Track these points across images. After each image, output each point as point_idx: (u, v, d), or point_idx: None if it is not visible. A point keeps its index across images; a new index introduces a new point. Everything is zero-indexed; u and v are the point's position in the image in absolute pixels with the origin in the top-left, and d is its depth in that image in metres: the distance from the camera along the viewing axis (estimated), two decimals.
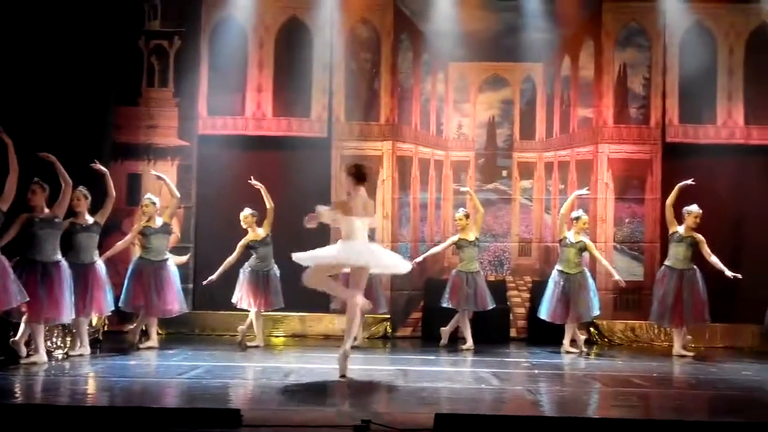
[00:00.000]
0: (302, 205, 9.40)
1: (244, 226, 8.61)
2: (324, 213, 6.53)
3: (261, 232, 8.55)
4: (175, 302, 8.19)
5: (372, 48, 9.82)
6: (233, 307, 8.69)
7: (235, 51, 9.71)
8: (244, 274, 8.53)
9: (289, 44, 9.74)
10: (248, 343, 8.50)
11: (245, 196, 8.72)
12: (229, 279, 8.54)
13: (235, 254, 8.50)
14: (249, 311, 8.57)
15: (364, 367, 7.39)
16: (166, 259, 8.22)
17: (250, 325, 8.57)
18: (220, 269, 8.45)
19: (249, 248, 8.55)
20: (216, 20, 9.76)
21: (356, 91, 9.77)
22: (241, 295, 8.51)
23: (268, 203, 8.54)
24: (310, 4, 9.75)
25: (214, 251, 9.00)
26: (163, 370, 7.13)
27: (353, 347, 8.37)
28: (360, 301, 6.47)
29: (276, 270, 8.58)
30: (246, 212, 8.58)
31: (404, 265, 6.77)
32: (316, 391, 6.18)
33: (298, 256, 6.61)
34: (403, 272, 6.86)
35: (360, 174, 6.45)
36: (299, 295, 8.84)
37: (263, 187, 8.53)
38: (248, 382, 6.78)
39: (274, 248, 8.59)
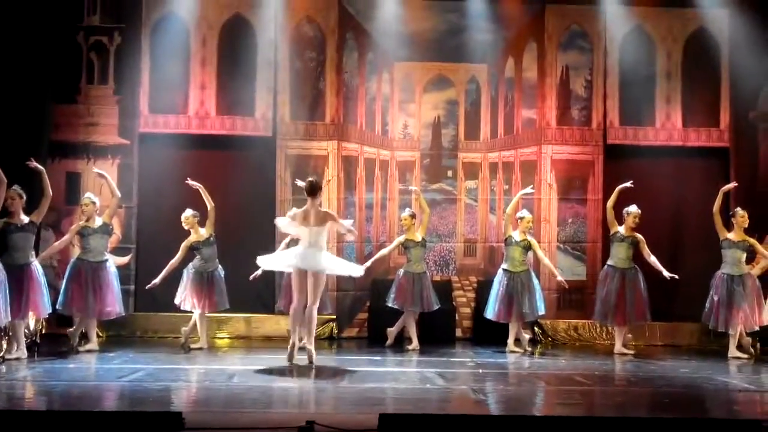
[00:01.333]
0: (247, 205, 9.44)
1: (186, 227, 8.48)
2: (283, 225, 7.42)
3: (204, 233, 8.44)
4: (115, 304, 8.02)
5: (317, 47, 9.77)
6: (176, 309, 8.54)
7: (177, 48, 9.55)
8: (187, 274, 8.40)
9: (233, 42, 9.62)
10: (191, 345, 8.35)
11: (188, 196, 8.59)
12: (172, 280, 8.40)
13: (178, 256, 8.38)
14: (192, 312, 8.44)
15: (309, 368, 7.33)
16: (106, 260, 8.05)
17: (194, 327, 8.44)
18: (164, 272, 8.32)
19: (192, 249, 8.43)
20: (157, 16, 9.59)
21: (301, 91, 9.71)
22: (185, 297, 8.38)
23: (209, 203, 8.43)
24: (253, 1, 9.64)
25: (156, 252, 8.87)
26: (103, 373, 6.97)
27: (299, 348, 8.37)
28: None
29: (220, 271, 8.48)
30: (187, 213, 8.45)
31: (355, 269, 7.56)
32: (261, 393, 6.11)
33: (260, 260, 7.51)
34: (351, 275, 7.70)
35: (310, 188, 7.27)
36: (244, 295, 8.85)
37: (202, 187, 8.41)
38: (191, 384, 6.68)
39: (219, 249, 8.49)
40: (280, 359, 7.77)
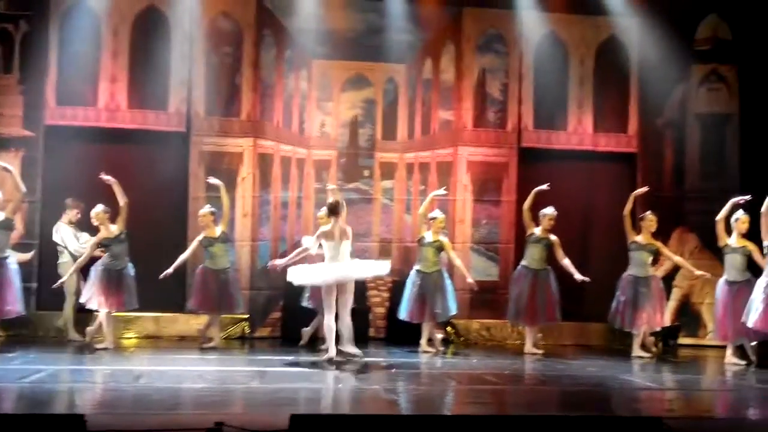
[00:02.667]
0: (159, 202, 9.24)
1: (96, 224, 8.26)
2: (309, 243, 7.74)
3: (114, 230, 8.22)
4: (15, 302, 7.76)
5: (233, 42, 9.61)
6: (81, 308, 8.29)
7: (87, 38, 9.26)
8: (95, 272, 8.17)
9: (146, 34, 9.39)
10: (97, 345, 8.14)
11: (97, 192, 8.37)
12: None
13: (87, 252, 8.16)
14: (99, 312, 8.21)
15: (219, 368, 7.25)
16: (7, 257, 7.77)
17: (100, 326, 8.21)
18: (71, 270, 8.14)
19: (102, 246, 8.20)
20: (67, 5, 9.27)
21: (217, 86, 9.54)
22: (91, 295, 8.15)
23: (122, 199, 8.21)
24: None
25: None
26: (2, 374, 6.68)
27: (209, 348, 8.27)
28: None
29: (130, 269, 8.29)
30: (98, 209, 8.23)
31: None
32: (168, 394, 5.98)
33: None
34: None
35: (332, 210, 7.65)
36: (154, 294, 8.65)
37: (116, 182, 8.20)
38: (95, 385, 6.51)
39: (129, 246, 8.30)
40: (189, 360, 7.67)
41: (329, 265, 7.51)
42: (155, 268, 8.29)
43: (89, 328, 8.18)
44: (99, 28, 9.33)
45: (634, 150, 10.10)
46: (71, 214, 8.68)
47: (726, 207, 8.08)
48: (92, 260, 8.23)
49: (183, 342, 8.87)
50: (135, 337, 9.12)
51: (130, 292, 8.24)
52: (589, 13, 10.03)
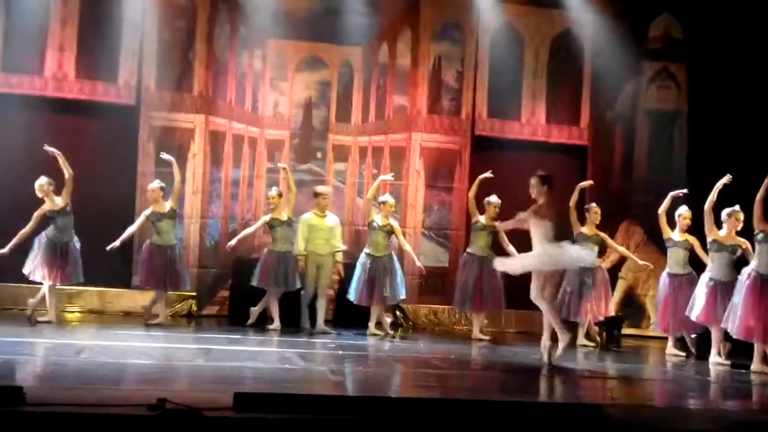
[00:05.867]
0: (107, 175, 9.08)
1: (40, 196, 8.07)
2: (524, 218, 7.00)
3: (59, 202, 8.06)
4: None
5: (187, 16, 9.47)
6: (23, 279, 8.11)
7: (36, 5, 9.04)
8: (39, 243, 8.00)
9: (97, 3, 9.19)
10: (39, 318, 7.97)
11: (42, 163, 8.17)
12: (22, 250, 7.99)
13: (30, 224, 7.98)
14: (42, 284, 8.04)
15: (165, 345, 7.17)
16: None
17: (42, 299, 8.04)
18: (14, 241, 7.93)
19: (47, 218, 8.04)
20: None
21: (169, 60, 9.40)
22: (35, 267, 7.98)
23: (67, 172, 8.05)
24: None
25: (6, 220, 8.32)
26: None
27: (154, 325, 8.17)
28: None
29: (76, 242, 8.15)
30: (42, 180, 8.05)
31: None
32: (111, 370, 5.88)
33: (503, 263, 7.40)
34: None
35: (551, 182, 6.96)
36: (100, 269, 8.51)
37: (60, 154, 8.04)
38: (36, 359, 6.36)
39: (75, 219, 8.14)
40: (134, 336, 7.56)
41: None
42: (102, 243, 8.17)
43: (31, 300, 8.00)
44: None
45: (586, 143, 10.26)
46: None
47: (666, 200, 8.27)
48: (36, 233, 8.03)
49: (128, 318, 8.76)
50: (79, 312, 8.98)
51: (75, 266, 8.10)
52: (546, 5, 10.14)
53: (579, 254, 7.20)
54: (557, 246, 6.91)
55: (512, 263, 7.40)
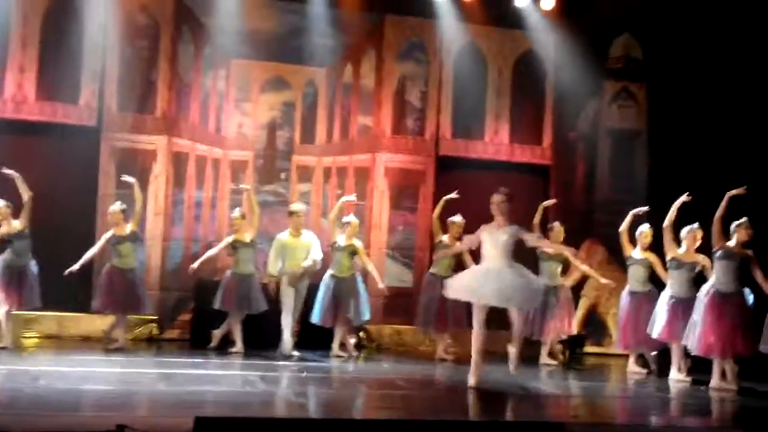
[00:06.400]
0: (66, 198, 8.99)
1: None
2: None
3: (17, 225, 7.96)
4: None
5: (150, 36, 9.43)
6: None
7: None
8: None
9: (58, 24, 9.11)
10: None
11: None
12: None
13: None
14: None
15: (125, 370, 7.09)
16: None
17: None
18: None
19: (4, 242, 7.94)
20: None
21: (131, 80, 9.34)
22: None
23: (25, 194, 7.96)
24: None
25: None
26: None
27: (114, 349, 8.06)
28: None
29: (33, 266, 8.06)
30: None
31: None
32: (69, 396, 5.81)
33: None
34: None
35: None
36: (58, 293, 8.39)
37: (19, 176, 7.96)
38: None
39: (33, 243, 8.07)
40: (93, 361, 7.47)
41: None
42: (61, 267, 8.06)
43: None
44: (8, 16, 9.02)
45: (548, 162, 10.36)
46: None
47: (627, 218, 8.34)
48: None
49: (87, 343, 8.64)
50: (36, 337, 8.83)
51: (32, 290, 8.01)
52: (508, 26, 10.25)
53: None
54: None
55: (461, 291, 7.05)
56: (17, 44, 9.05)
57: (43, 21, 9.11)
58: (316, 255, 8.33)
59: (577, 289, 9.70)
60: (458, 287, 6.88)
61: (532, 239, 7.14)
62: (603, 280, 8.83)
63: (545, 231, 8.86)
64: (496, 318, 9.54)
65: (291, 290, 8.28)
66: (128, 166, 9.10)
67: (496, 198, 6.86)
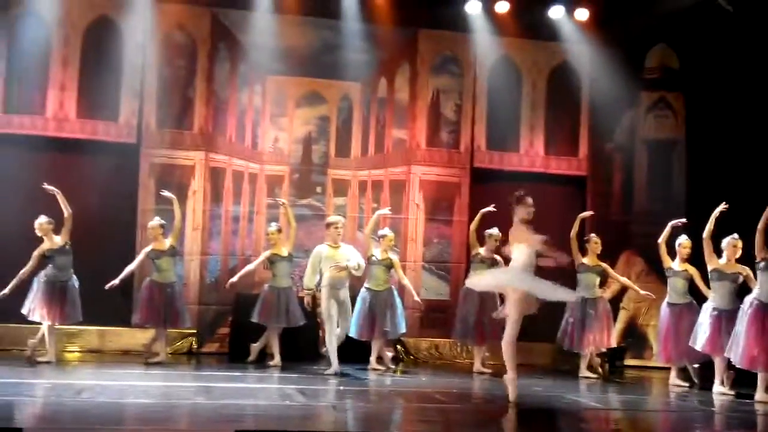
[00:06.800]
0: (106, 214, 9.14)
1: (40, 234, 8.11)
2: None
3: (59, 241, 8.09)
4: None
5: (187, 55, 9.58)
6: (23, 319, 8.11)
7: (37, 46, 9.16)
8: (38, 283, 8.02)
9: (98, 43, 9.30)
10: (39, 359, 7.96)
11: (41, 202, 8.21)
12: (20, 289, 7.99)
13: (30, 264, 8.01)
14: (41, 324, 8.04)
15: (165, 383, 7.15)
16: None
17: (42, 339, 8.04)
18: (14, 281, 7.93)
19: (46, 258, 8.06)
20: (16, 12, 9.15)
21: (169, 98, 9.50)
22: (34, 307, 7.99)
23: (66, 210, 8.09)
24: (121, 3, 9.36)
25: (6, 260, 8.33)
26: None
27: (154, 363, 8.15)
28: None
29: (75, 281, 8.16)
30: (41, 220, 8.09)
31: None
32: (111, 410, 5.87)
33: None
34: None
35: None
36: (99, 308, 8.52)
37: (59, 192, 8.09)
38: (35, 399, 6.34)
39: (75, 258, 8.17)
40: (134, 374, 7.55)
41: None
42: (101, 281, 8.17)
43: (31, 341, 8.00)
44: (49, 36, 9.23)
45: (584, 173, 10.31)
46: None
47: (666, 230, 8.26)
48: (35, 272, 8.05)
49: (128, 357, 8.73)
50: (78, 351, 8.95)
51: (74, 305, 8.10)
52: (543, 38, 10.23)
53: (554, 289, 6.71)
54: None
55: (484, 279, 7.18)
56: (58, 63, 9.25)
57: (83, 40, 9.31)
58: (360, 260, 8.15)
59: (616, 302, 9.62)
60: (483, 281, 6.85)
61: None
62: (642, 292, 8.74)
63: (582, 243, 8.79)
64: (539, 330, 9.55)
65: (333, 304, 8.01)
66: (167, 181, 9.23)
67: (527, 201, 6.65)
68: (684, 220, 8.36)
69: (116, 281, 8.18)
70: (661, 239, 8.23)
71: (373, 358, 8.52)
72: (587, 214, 9.00)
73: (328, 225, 8.29)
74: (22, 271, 7.98)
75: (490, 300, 8.61)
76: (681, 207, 9.86)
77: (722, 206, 7.67)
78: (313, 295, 8.16)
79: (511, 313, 6.54)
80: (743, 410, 6.95)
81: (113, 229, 9.09)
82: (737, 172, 9.41)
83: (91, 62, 9.28)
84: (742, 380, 7.56)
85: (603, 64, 10.06)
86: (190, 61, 9.57)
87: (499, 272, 7.01)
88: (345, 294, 8.19)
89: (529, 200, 6.66)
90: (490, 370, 8.71)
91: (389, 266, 8.58)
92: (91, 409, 5.85)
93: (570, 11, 10.02)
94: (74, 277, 8.17)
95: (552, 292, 6.63)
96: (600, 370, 8.79)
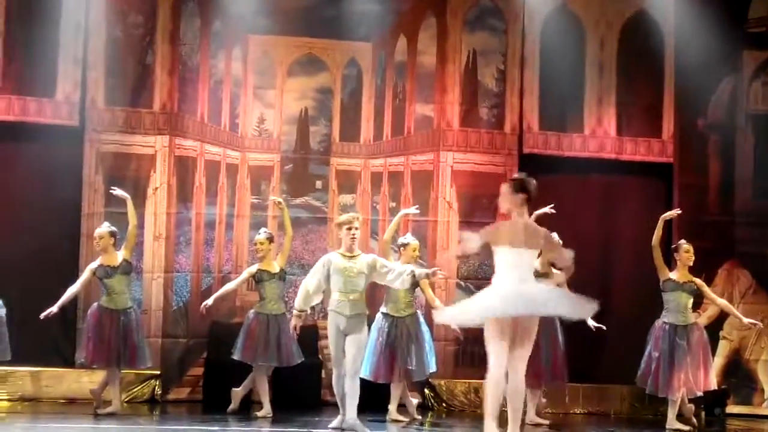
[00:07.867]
0: (42, 219, 9.18)
1: None
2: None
3: None
4: None
5: (145, 11, 9.64)
6: None
7: None
8: None
9: (29, 3, 9.32)
10: None
11: None
12: None
13: None
14: None
15: None
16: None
17: None
18: None
19: None
20: None
21: (122, 67, 9.55)
22: None
23: None
24: None
25: None
26: None
27: (106, 414, 8.14)
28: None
29: (1, 309, 8.15)
30: None
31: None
32: None
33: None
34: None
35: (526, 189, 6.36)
36: (32, 342, 8.54)
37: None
38: None
39: (0, 279, 8.32)
40: (80, 429, 7.54)
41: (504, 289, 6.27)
42: (36, 308, 8.17)
43: None
44: None
45: (670, 160, 10.25)
46: None
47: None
48: None
49: (71, 406, 8.78)
50: (6, 399, 9.00)
51: (0, 340, 8.06)
52: None
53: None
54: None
55: (451, 312, 6.84)
56: None
57: (7, 2, 9.31)
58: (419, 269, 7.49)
59: (714, 329, 9.53)
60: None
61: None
62: (746, 320, 8.63)
63: (669, 253, 8.69)
64: (612, 368, 9.43)
65: (339, 337, 7.34)
66: (119, 175, 9.28)
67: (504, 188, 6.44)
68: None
69: (54, 308, 8.16)
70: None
71: (393, 407, 8.50)
72: (672, 213, 8.91)
73: (340, 225, 7.53)
74: None
75: (546, 330, 8.50)
76: None
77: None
78: (303, 318, 7.53)
79: (487, 337, 6.29)
80: None
81: (51, 238, 9.12)
82: None
83: (20, 23, 9.31)
84: None
85: (692, 15, 9.99)
86: (148, 18, 9.61)
87: (471, 302, 6.48)
88: (356, 325, 7.42)
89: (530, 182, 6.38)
90: (548, 421, 8.66)
91: (414, 285, 8.50)
92: None
93: None
94: (0, 302, 8.16)
95: (564, 308, 6.45)
96: (694, 420, 8.71)
